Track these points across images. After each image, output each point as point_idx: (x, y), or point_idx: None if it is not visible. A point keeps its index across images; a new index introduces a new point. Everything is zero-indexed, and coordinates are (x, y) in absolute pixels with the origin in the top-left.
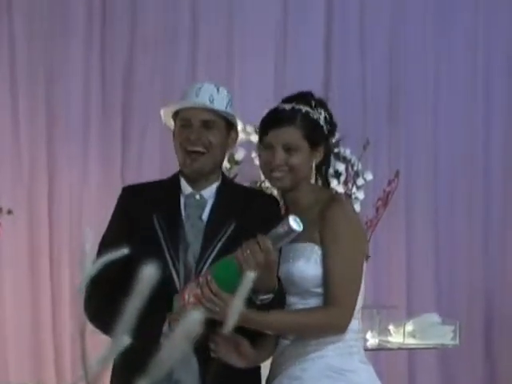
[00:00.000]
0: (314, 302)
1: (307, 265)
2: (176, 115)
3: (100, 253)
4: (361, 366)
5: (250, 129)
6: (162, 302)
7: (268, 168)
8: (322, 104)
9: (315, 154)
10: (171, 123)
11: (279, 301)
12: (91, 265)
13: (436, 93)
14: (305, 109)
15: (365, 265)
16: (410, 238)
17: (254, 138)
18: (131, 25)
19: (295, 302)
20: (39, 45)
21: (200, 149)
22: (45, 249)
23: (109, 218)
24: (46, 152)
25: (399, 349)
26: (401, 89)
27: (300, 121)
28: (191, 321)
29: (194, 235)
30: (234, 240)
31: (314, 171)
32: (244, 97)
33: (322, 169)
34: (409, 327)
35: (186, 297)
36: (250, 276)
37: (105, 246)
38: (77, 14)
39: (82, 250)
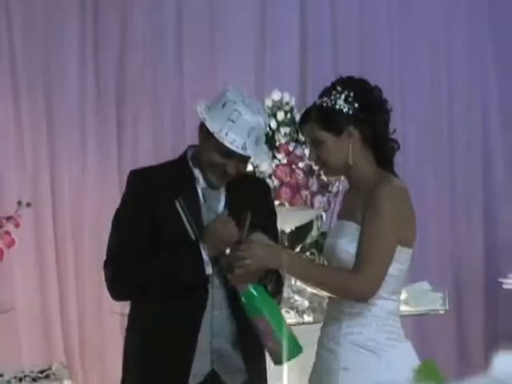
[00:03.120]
0: None
1: (351, 244)
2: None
3: (120, 236)
4: (390, 344)
5: None
6: (193, 290)
7: None
8: (346, 84)
9: (346, 139)
10: (204, 116)
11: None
12: None
13: (401, 74)
14: (319, 101)
15: (410, 252)
16: None
17: None
18: (121, 23)
19: None
20: (37, 53)
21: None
22: (50, 236)
23: (107, 201)
24: (47, 146)
25: None
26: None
27: (315, 114)
28: None
29: None
30: (250, 229)
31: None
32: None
33: (376, 149)
34: (402, 295)
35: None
36: None
37: (124, 230)
38: (71, 19)
39: None
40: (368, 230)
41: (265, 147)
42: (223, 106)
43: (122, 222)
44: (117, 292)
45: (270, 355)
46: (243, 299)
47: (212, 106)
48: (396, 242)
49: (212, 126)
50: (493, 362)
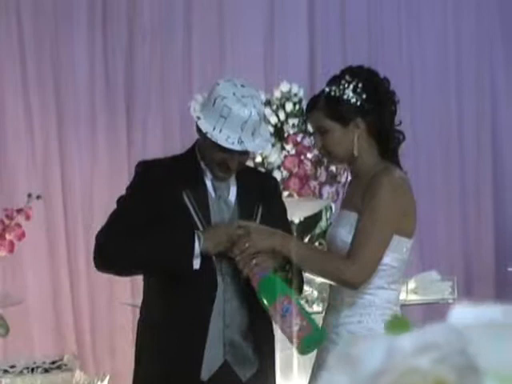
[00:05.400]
0: None
1: (350, 234)
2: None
3: (120, 222)
4: None
5: None
6: (201, 279)
7: None
8: (355, 74)
9: (352, 129)
10: (197, 115)
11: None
12: None
13: (410, 63)
14: (328, 89)
15: (410, 242)
16: None
17: None
18: (130, 16)
19: None
20: (46, 47)
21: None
22: (61, 228)
23: (117, 193)
24: (57, 139)
25: (403, 305)
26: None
27: (323, 102)
28: None
29: (225, 216)
30: (261, 223)
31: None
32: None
33: (381, 140)
34: (411, 285)
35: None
36: None
37: (124, 210)
38: (80, 10)
39: None
40: (364, 218)
41: (264, 133)
42: (214, 103)
43: (124, 204)
44: (102, 262)
45: (299, 341)
46: (259, 286)
47: (205, 103)
48: (391, 232)
49: (204, 126)
50: (450, 313)
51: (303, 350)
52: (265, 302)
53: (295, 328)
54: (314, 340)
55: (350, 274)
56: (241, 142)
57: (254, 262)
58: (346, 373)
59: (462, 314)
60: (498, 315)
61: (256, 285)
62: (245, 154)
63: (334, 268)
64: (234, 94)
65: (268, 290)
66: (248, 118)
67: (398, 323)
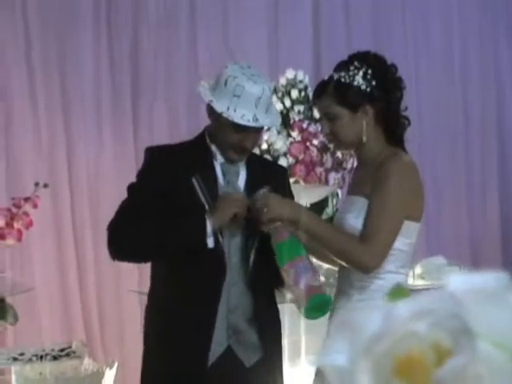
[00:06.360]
0: None
1: (358, 219)
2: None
3: (131, 210)
4: None
5: None
6: (211, 265)
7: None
8: (364, 60)
9: (361, 115)
10: (209, 98)
11: None
12: None
13: (416, 57)
14: (338, 75)
15: (418, 226)
16: None
17: None
18: (135, 8)
19: None
20: (52, 36)
21: None
22: (68, 216)
23: (124, 181)
24: (63, 127)
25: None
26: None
27: (332, 88)
28: None
29: None
30: None
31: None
32: None
33: (388, 126)
34: (418, 270)
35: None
36: None
37: (137, 204)
38: (85, 5)
39: None
40: (376, 202)
41: (275, 110)
42: (225, 83)
43: (134, 190)
44: (117, 251)
45: (310, 296)
46: (277, 246)
47: (215, 86)
48: (403, 215)
49: (219, 107)
50: (448, 280)
51: (311, 310)
52: (281, 261)
53: (312, 284)
54: (324, 299)
55: (365, 258)
56: (256, 119)
57: (273, 225)
58: (346, 338)
59: (458, 280)
60: (491, 282)
61: (274, 243)
62: (258, 132)
63: (352, 249)
64: (243, 73)
65: (285, 250)
66: (261, 95)
67: (398, 291)
